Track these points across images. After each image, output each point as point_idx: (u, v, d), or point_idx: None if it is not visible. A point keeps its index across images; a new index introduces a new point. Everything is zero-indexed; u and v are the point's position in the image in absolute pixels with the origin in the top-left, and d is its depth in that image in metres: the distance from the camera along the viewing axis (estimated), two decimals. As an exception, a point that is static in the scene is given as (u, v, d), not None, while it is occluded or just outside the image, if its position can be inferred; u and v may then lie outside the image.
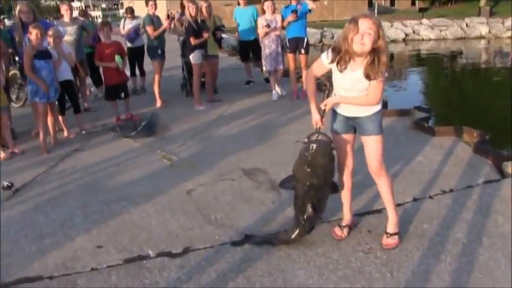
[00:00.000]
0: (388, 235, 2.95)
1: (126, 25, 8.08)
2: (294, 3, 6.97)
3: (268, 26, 6.94)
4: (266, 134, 5.52)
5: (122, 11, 72.96)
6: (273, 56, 7.19)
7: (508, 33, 26.26)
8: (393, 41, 25.29)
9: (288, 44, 7.16)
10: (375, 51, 2.63)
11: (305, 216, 2.87)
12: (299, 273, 2.69)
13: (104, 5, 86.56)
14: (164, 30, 7.34)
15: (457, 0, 39.55)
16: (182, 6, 8.37)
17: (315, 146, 2.77)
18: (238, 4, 8.55)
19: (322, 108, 2.89)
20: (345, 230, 3.08)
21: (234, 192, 3.87)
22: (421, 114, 5.89)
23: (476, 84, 14.13)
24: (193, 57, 6.69)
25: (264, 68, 7.63)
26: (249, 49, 8.54)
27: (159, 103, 7.19)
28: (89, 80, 7.63)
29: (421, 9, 35.19)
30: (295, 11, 6.79)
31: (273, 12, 7.08)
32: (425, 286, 2.53)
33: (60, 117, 5.83)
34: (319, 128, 2.88)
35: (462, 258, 2.78)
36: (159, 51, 7.21)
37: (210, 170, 4.41)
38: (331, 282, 2.60)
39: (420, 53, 21.92)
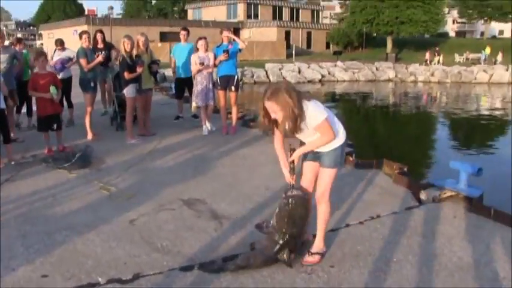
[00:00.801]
0: (310, 253, 3.31)
1: (55, 56, 8.02)
2: (225, 42, 7.38)
3: (202, 63, 7.25)
4: (201, 167, 5.75)
5: (38, 42, 70.03)
6: (204, 92, 7.48)
7: (412, 78, 29.07)
8: (310, 82, 26.90)
9: (219, 81, 7.51)
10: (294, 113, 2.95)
11: (284, 257, 3.16)
12: (248, 293, 2.93)
13: (19, 35, 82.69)
14: (98, 64, 7.37)
15: (367, 45, 42.99)
16: (95, 40, 8.38)
17: (293, 200, 3.12)
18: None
19: (291, 165, 3.21)
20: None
21: (176, 221, 4.04)
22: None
23: (387, 121, 15.53)
24: (127, 91, 6.82)
25: (194, 103, 7.89)
26: (185, 86, 8.69)
27: (90, 136, 7.14)
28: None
29: (335, 52, 37.91)
30: (226, 51, 7.18)
31: (206, 50, 7.42)
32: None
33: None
34: (292, 184, 3.21)
35: (394, 274, 3.18)
36: (92, 84, 7.23)
37: (150, 200, 4.53)
38: (277, 300, 2.86)
39: (335, 93, 23.52)
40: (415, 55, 39.84)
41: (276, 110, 2.94)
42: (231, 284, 3.03)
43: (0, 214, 4.01)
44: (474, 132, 13.75)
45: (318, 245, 3.36)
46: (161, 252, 3.46)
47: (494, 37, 62.26)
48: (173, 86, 13.85)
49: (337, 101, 20.67)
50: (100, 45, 8.30)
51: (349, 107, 18.92)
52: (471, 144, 11.45)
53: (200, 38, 7.48)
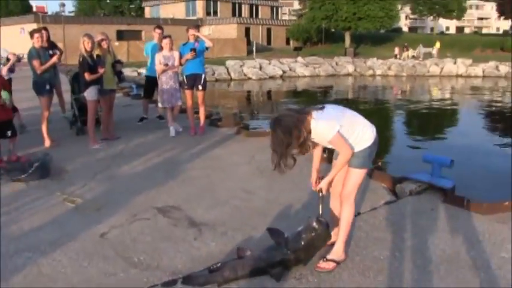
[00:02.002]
0: (325, 259, 3.08)
1: None
2: (191, 40, 7.06)
3: (166, 64, 6.95)
4: (172, 171, 5.43)
5: (-17, 41, 66.34)
6: (170, 93, 7.19)
7: (370, 72, 29.51)
8: (271, 78, 26.81)
9: (185, 80, 7.20)
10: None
11: (275, 272, 2.95)
12: (238, 306, 2.67)
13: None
14: (53, 64, 6.86)
15: (326, 41, 43.45)
16: None
17: (321, 231, 2.96)
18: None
19: (319, 194, 3.08)
20: None
21: (152, 232, 3.72)
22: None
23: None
24: (89, 94, 6.41)
25: (160, 104, 7.56)
26: (155, 86, 8.27)
27: (47, 142, 6.64)
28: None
29: (295, 48, 38.02)
30: (193, 49, 6.88)
31: (171, 49, 7.10)
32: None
33: None
34: (321, 213, 3.05)
35: (382, 272, 3.06)
36: (48, 86, 6.72)
37: (121, 210, 4.18)
38: (271, 312, 2.62)
39: (297, 89, 23.52)
40: (372, 50, 40.63)
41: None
42: (219, 299, 2.77)
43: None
44: (429, 121, 14.09)
45: (337, 251, 3.13)
46: (139, 267, 3.15)
47: (442, 33, 65.27)
48: (134, 86, 13.50)
49: (298, 96, 20.70)
50: (45, 44, 7.72)
51: (311, 102, 18.95)
52: (427, 133, 11.67)
53: (165, 37, 7.19)
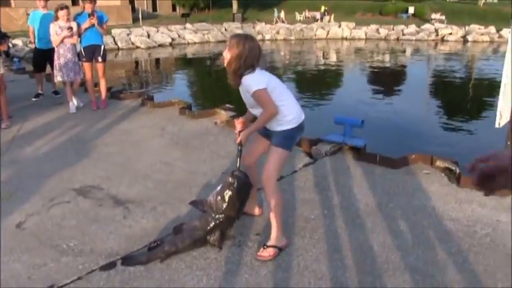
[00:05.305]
0: (265, 247, 2.95)
1: None
2: (88, 10, 6.57)
3: (70, 28, 6.48)
4: (82, 149, 5.13)
5: None
6: (69, 66, 6.69)
7: (259, 37, 29.96)
8: (160, 46, 26.00)
9: (83, 52, 6.73)
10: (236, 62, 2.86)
11: (214, 239, 2.97)
12: (186, 279, 2.68)
13: None
14: None
15: (213, 7, 42.84)
16: None
17: (239, 181, 2.92)
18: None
19: (238, 147, 3.06)
20: None
21: (77, 215, 3.52)
22: (229, 113, 6.31)
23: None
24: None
25: (56, 79, 7.02)
26: (46, 58, 7.58)
27: None
28: None
29: (183, 15, 36.90)
30: (92, 14, 6.47)
31: (68, 20, 6.56)
32: (298, 260, 2.88)
33: None
34: (238, 167, 3.04)
35: (317, 230, 3.25)
36: None
37: (35, 196, 3.88)
38: (218, 279, 2.68)
39: (186, 56, 23.13)
40: (259, 14, 41.05)
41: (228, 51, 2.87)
42: (164, 273, 2.75)
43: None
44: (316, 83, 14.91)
45: (274, 236, 2.97)
46: (71, 254, 2.98)
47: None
48: (16, 59, 12.28)
49: (188, 63, 20.43)
50: None
51: (202, 69, 18.86)
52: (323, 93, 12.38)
53: (62, 8, 6.55)
